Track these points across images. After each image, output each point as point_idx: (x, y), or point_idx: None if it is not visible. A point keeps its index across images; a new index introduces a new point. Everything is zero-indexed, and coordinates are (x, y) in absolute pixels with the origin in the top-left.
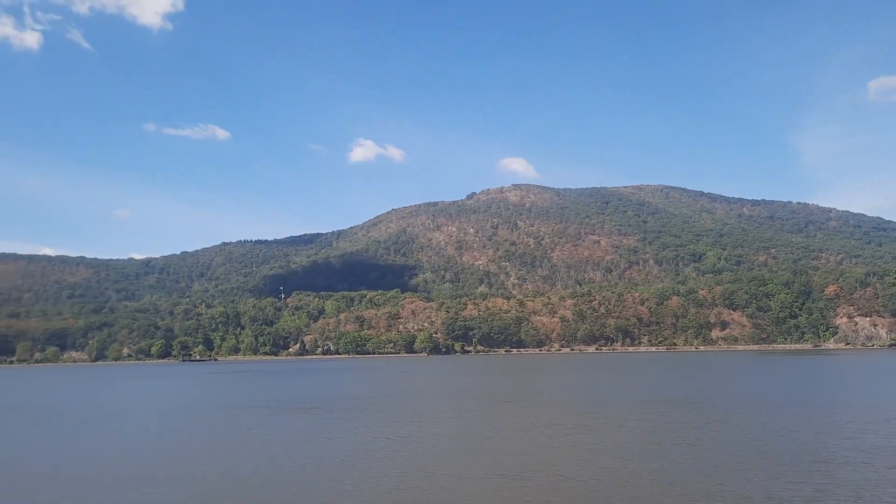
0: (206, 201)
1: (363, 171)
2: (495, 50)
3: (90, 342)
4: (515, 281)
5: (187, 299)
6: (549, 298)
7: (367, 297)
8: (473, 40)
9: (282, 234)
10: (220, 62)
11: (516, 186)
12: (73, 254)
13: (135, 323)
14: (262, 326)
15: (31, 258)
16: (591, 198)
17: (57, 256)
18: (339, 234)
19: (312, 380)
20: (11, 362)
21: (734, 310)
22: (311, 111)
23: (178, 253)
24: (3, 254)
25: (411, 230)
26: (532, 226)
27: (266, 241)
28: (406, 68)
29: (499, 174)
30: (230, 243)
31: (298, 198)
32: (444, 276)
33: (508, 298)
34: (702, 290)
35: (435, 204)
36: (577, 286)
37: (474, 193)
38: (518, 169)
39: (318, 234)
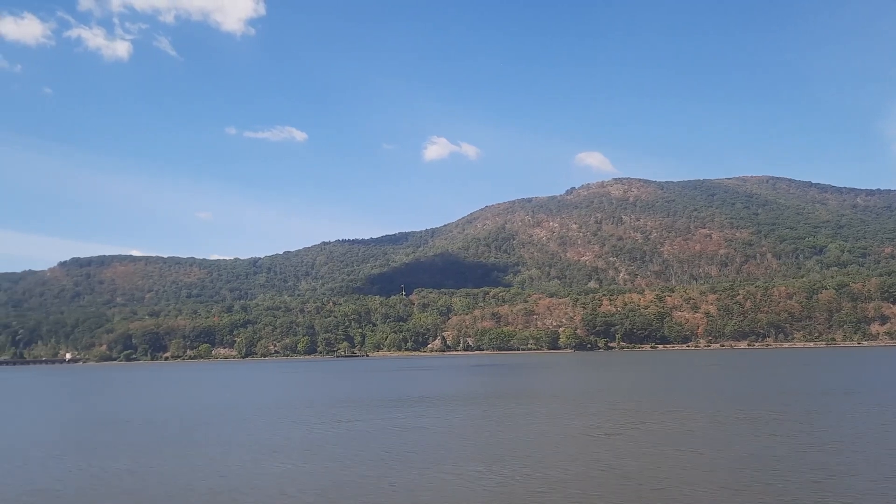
0: (281, 202)
1: (438, 168)
2: (567, 44)
3: (237, 339)
4: (626, 276)
5: (298, 297)
6: (689, 293)
7: (491, 293)
8: (544, 35)
9: (361, 234)
10: (297, 64)
11: (618, 180)
12: (160, 255)
13: (277, 320)
14: (399, 323)
15: (147, 259)
16: (695, 190)
17: (170, 258)
18: (433, 232)
19: (528, 375)
20: (166, 358)
21: (894, 303)
22: (384, 111)
23: (281, 253)
24: (120, 255)
25: (510, 226)
26: (638, 220)
27: (362, 240)
28: (478, 66)
29: (575, 168)
30: (329, 243)
31: (375, 197)
32: (548, 273)
33: (642, 293)
34: (855, 283)
35: (530, 200)
36: (693, 281)
37: (574, 188)
38: (594, 163)
39: (412, 233)
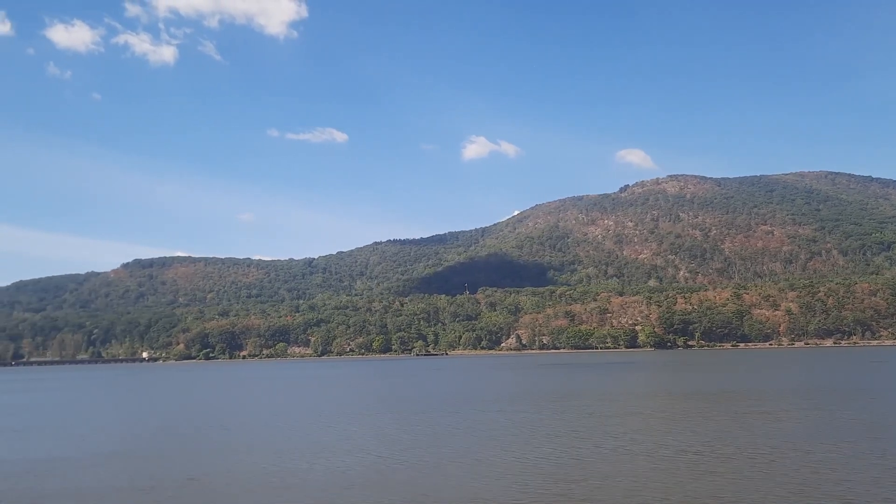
0: (322, 203)
1: (477, 167)
2: (606, 41)
3: (312, 338)
4: (687, 274)
5: (365, 296)
6: (767, 290)
7: (557, 292)
8: (582, 33)
9: (404, 233)
10: (337, 65)
11: (672, 177)
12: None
13: (349, 319)
14: (470, 322)
15: (206, 261)
16: (752, 186)
17: (228, 258)
18: (483, 232)
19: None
20: (244, 357)
21: None
22: (423, 110)
23: (334, 253)
24: (179, 257)
25: (563, 225)
26: (696, 217)
27: (413, 240)
28: (516, 64)
29: (616, 166)
30: (381, 243)
31: (416, 197)
32: (605, 271)
33: (705, 290)
34: None
35: (581, 198)
36: (758, 279)
37: (627, 185)
38: (635, 160)
39: (462, 232)
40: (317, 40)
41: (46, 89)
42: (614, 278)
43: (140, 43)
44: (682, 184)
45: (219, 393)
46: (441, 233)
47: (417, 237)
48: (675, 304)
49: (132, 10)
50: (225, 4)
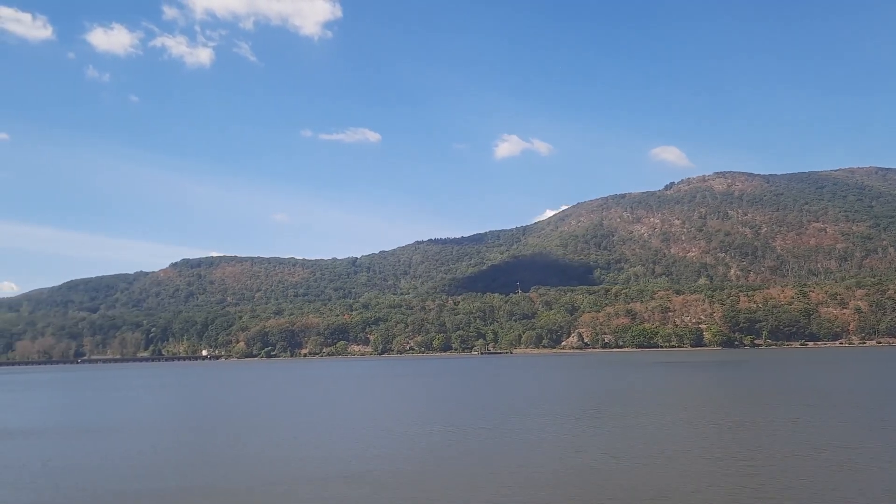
0: (355, 202)
1: (510, 166)
2: (638, 37)
3: (372, 337)
4: (738, 272)
5: (401, 295)
6: (833, 288)
7: (612, 290)
8: (613, 29)
9: (437, 233)
10: (369, 65)
11: (720, 174)
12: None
13: (408, 318)
14: (529, 320)
15: (252, 260)
16: (802, 183)
17: (273, 258)
18: (524, 230)
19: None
20: (304, 355)
21: None
22: (455, 109)
23: (377, 252)
24: (226, 256)
25: (608, 223)
26: (746, 215)
27: (454, 238)
28: (547, 61)
29: (651, 163)
30: (423, 242)
31: (450, 196)
32: (653, 270)
33: (757, 289)
34: None
35: (623, 196)
36: (812, 277)
37: (673, 183)
38: (670, 158)
39: (503, 231)
40: (350, 40)
41: (85, 92)
42: (663, 277)
43: (177, 45)
44: (729, 181)
45: (342, 392)
46: (481, 232)
47: (454, 236)
48: (737, 303)
49: (169, 12)
50: (260, 6)
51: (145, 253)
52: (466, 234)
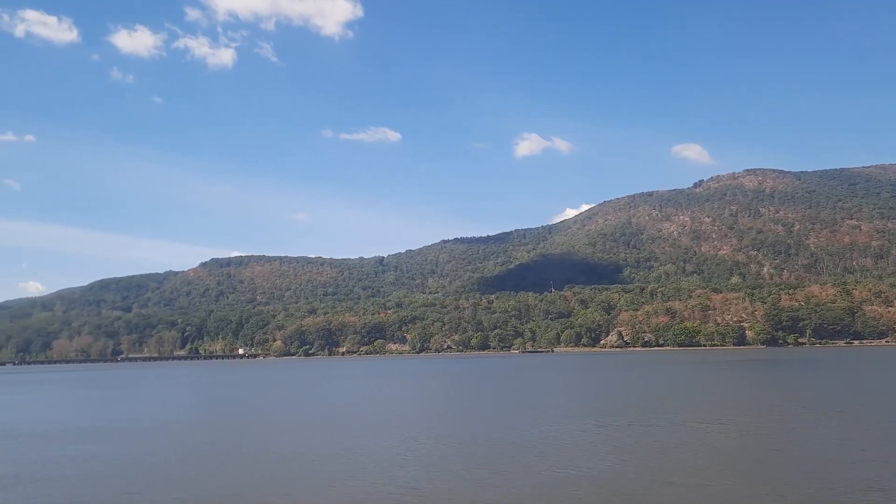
0: (376, 202)
1: (530, 164)
2: (658, 34)
3: (409, 335)
4: (771, 270)
5: (432, 294)
6: (877, 287)
7: (648, 289)
8: (633, 27)
9: (461, 232)
10: (390, 64)
11: (750, 171)
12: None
13: (444, 316)
14: (567, 319)
15: (281, 260)
16: (834, 180)
17: (300, 257)
18: (550, 229)
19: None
20: (342, 353)
21: None
22: (475, 108)
23: (403, 251)
24: (255, 256)
25: (636, 222)
26: (778, 212)
27: (480, 237)
28: (567, 59)
29: (674, 161)
30: (449, 241)
31: (472, 194)
32: (684, 268)
33: (792, 288)
34: None
35: (651, 194)
36: (848, 275)
37: (702, 180)
38: (691, 155)
39: (529, 230)
40: (371, 40)
41: (110, 94)
42: (694, 275)
43: (199, 46)
44: (759, 178)
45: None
46: (505, 230)
47: (477, 235)
48: (779, 301)
49: (192, 14)
50: (282, 6)
51: (168, 253)
52: (490, 233)
